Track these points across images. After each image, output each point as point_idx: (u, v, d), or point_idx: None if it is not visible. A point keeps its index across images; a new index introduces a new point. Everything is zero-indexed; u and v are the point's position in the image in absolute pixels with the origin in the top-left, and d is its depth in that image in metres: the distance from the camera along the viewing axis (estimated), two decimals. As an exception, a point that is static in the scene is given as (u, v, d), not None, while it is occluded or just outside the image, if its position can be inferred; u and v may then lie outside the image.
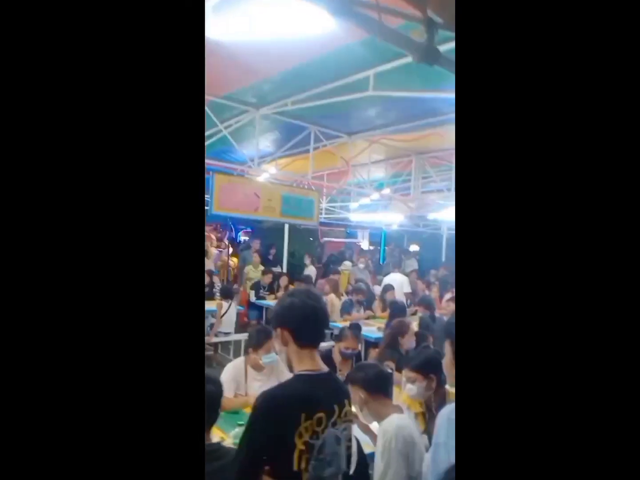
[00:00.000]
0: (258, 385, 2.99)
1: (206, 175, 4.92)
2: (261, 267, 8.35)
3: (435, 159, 5.98)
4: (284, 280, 7.93)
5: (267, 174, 6.06)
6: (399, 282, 6.79)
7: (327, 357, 3.27)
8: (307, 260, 9.04)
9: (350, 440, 1.39)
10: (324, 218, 9.03)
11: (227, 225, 11.70)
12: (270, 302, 7.41)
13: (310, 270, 8.93)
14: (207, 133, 4.96)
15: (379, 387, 1.98)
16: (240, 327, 7.26)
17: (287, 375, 3.10)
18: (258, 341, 2.93)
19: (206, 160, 5.32)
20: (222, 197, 4.35)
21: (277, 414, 1.21)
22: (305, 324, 1.33)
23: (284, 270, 8.78)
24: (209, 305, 6.24)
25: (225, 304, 6.03)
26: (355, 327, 3.79)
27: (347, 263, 9.14)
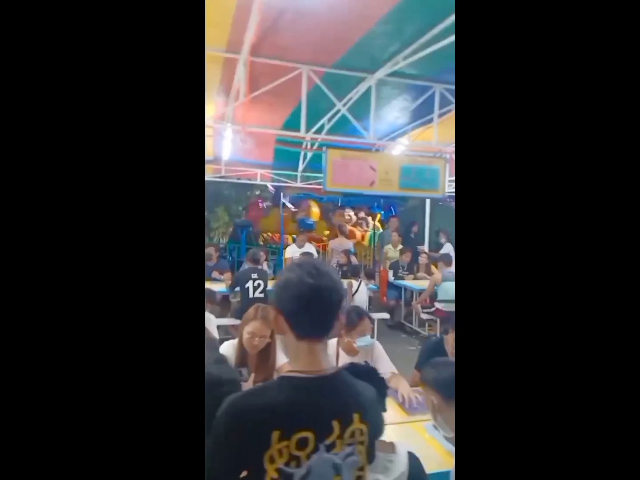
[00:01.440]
0: (351, 372, 2.71)
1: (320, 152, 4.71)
2: (400, 247, 7.99)
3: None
4: (423, 259, 7.49)
5: (402, 146, 5.65)
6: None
7: None
8: (442, 239, 8.34)
9: (363, 469, 1.03)
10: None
11: (378, 206, 11.56)
12: (409, 282, 7.07)
13: (448, 249, 8.22)
14: (332, 111, 4.75)
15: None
16: (379, 307, 7.09)
17: (385, 362, 2.86)
18: (351, 322, 2.64)
19: (326, 137, 5.17)
20: (335, 172, 4.12)
21: (242, 430, 0.90)
22: (301, 308, 0.98)
23: (426, 249, 8.26)
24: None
25: (355, 283, 5.86)
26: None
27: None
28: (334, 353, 2.70)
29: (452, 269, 6.57)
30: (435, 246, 8.75)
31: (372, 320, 2.81)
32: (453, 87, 4.50)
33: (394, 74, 4.04)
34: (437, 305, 6.23)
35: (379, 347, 2.82)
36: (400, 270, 7.51)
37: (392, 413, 2.27)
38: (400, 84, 4.38)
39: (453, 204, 13.74)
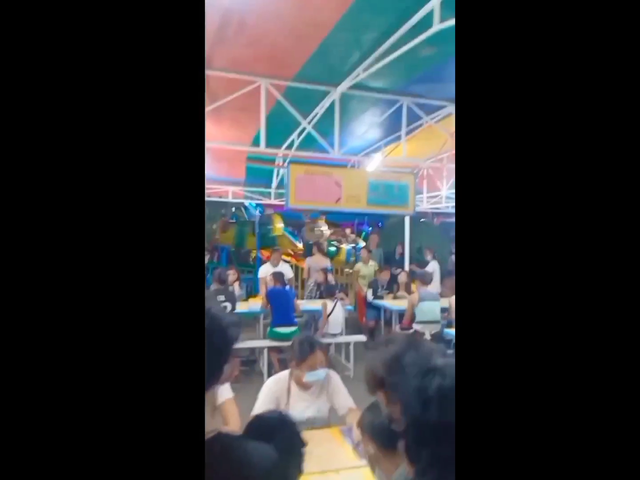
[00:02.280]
0: (303, 406, 2.45)
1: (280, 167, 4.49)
2: (371, 264, 7.78)
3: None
4: (402, 277, 7.27)
5: (376, 162, 5.47)
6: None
7: None
8: (427, 256, 8.15)
9: None
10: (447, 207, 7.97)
11: (361, 223, 11.37)
12: (387, 302, 6.84)
13: (433, 267, 8.03)
14: (300, 127, 4.57)
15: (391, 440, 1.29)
16: (357, 329, 6.85)
17: (342, 397, 2.59)
18: (300, 354, 2.40)
19: (297, 153, 4.99)
20: (299, 189, 3.91)
21: None
22: None
23: (406, 268, 8.04)
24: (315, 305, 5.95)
25: (330, 304, 5.63)
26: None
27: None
28: (285, 388, 2.46)
29: (432, 287, 6.38)
30: (418, 263, 8.57)
31: (325, 351, 2.56)
32: (422, 100, 4.35)
33: (358, 86, 3.88)
34: (415, 326, 6.00)
35: (335, 380, 2.55)
36: (379, 289, 7.28)
37: (344, 457, 2.04)
38: (367, 97, 4.21)
39: (436, 220, 13.71)
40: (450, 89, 4.12)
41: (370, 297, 7.31)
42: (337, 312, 5.64)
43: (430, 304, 6.04)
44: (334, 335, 5.67)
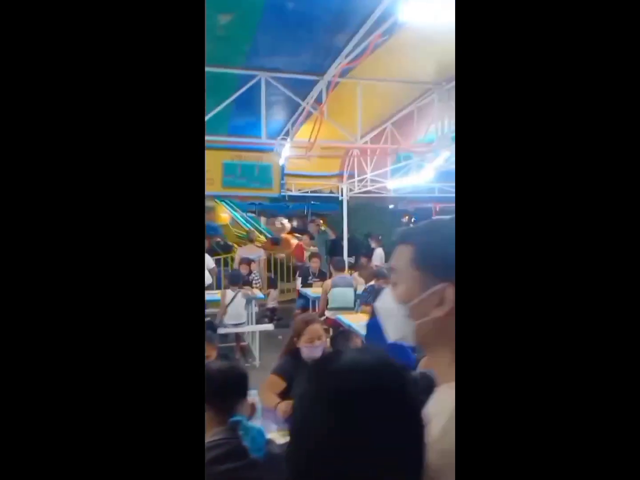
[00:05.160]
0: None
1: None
2: (312, 250, 7.55)
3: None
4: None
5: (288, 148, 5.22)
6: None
7: None
8: (372, 243, 7.88)
9: None
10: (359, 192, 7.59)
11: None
12: (309, 290, 6.62)
13: (379, 254, 7.76)
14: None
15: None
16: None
17: None
18: None
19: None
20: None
21: None
22: None
23: (345, 256, 7.79)
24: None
25: (230, 293, 5.45)
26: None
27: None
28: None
29: (345, 274, 6.14)
30: (366, 251, 8.32)
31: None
32: (282, 74, 4.08)
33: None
34: (327, 313, 5.78)
35: None
36: (310, 277, 7.06)
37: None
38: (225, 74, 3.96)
39: (410, 206, 13.35)
40: (305, 60, 3.86)
41: (299, 285, 7.10)
42: (237, 302, 5.47)
43: (342, 290, 5.83)
44: (236, 325, 5.51)
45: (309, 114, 4.71)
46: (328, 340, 2.68)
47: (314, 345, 2.65)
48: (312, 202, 9.78)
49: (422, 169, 4.78)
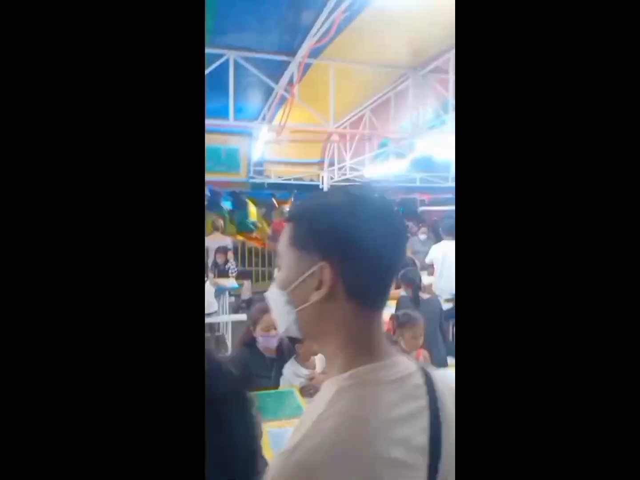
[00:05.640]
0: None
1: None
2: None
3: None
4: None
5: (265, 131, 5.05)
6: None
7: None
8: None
9: None
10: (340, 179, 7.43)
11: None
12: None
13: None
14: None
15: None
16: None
17: None
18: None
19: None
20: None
21: None
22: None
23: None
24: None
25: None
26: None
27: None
28: None
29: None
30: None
31: None
32: (250, 54, 3.92)
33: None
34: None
35: None
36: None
37: None
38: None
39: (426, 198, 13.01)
40: (273, 39, 3.70)
41: (275, 273, 7.00)
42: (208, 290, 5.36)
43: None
44: (208, 314, 5.40)
45: (284, 98, 4.56)
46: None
47: (269, 335, 2.55)
48: (295, 191, 9.60)
49: (400, 157, 4.65)
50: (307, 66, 4.09)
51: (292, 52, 3.93)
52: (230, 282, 5.92)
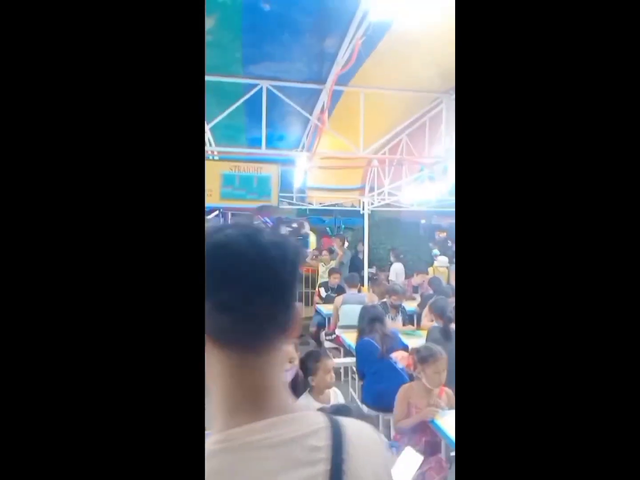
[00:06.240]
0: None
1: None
2: (331, 264, 7.36)
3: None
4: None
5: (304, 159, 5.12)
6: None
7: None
8: (392, 257, 7.60)
9: None
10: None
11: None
12: (328, 309, 6.40)
13: (398, 269, 7.46)
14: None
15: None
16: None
17: None
18: None
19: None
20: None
21: None
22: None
23: (365, 270, 7.55)
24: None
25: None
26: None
27: (443, 258, 7.32)
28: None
29: (355, 290, 5.92)
30: (381, 265, 8.06)
31: None
32: (282, 83, 3.98)
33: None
34: (337, 332, 5.57)
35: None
36: (329, 292, 6.87)
37: None
38: (228, 84, 3.91)
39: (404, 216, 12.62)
40: (301, 67, 3.74)
41: (317, 300, 6.92)
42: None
43: (352, 307, 5.60)
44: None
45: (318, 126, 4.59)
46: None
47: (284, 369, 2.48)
48: (339, 217, 9.59)
49: (432, 181, 4.52)
50: (338, 94, 4.11)
51: (322, 81, 3.96)
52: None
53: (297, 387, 2.59)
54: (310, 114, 4.47)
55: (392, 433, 2.76)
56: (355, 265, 7.94)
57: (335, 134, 4.22)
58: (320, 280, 7.40)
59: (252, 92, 3.96)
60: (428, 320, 4.66)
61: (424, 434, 2.50)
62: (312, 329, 6.55)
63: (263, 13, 2.73)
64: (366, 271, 7.60)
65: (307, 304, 7.84)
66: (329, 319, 6.28)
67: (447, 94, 4.10)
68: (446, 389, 2.70)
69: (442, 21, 2.73)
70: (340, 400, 2.52)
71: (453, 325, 3.54)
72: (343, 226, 11.54)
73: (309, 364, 2.45)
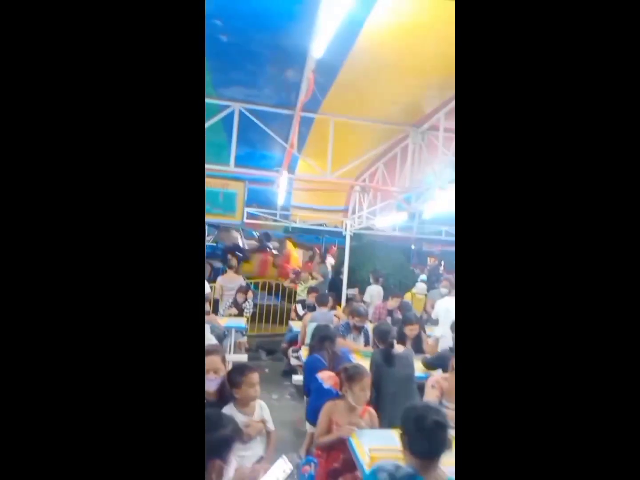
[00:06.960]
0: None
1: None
2: (310, 282, 7.46)
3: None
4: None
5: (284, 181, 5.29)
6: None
7: None
8: (371, 279, 7.70)
9: None
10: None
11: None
12: (297, 327, 6.49)
13: (373, 292, 7.54)
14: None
15: None
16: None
17: None
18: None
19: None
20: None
21: None
22: None
23: (344, 291, 7.66)
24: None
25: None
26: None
27: (422, 285, 7.40)
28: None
29: (325, 309, 6.01)
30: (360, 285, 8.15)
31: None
32: (254, 106, 4.16)
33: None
34: (304, 348, 5.65)
35: None
36: (305, 310, 6.96)
37: None
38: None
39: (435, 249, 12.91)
40: (270, 93, 3.93)
41: (292, 316, 7.01)
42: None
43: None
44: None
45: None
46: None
47: (207, 378, 2.55)
48: (326, 236, 9.76)
49: (400, 210, 4.68)
50: (310, 120, 4.29)
51: (293, 106, 4.14)
52: (238, 322, 6.02)
53: (223, 397, 2.67)
54: (287, 136, 4.64)
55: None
56: (335, 285, 8.04)
57: (304, 157, 4.39)
58: (298, 298, 7.49)
59: (224, 113, 4.15)
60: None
61: (341, 451, 2.59)
62: (284, 345, 6.63)
63: (223, 43, 2.91)
64: (344, 291, 7.69)
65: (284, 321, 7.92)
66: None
67: (413, 127, 4.26)
68: (369, 408, 2.79)
69: (395, 59, 2.90)
70: (266, 412, 2.60)
71: (395, 350, 3.64)
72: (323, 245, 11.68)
73: (234, 376, 2.54)
